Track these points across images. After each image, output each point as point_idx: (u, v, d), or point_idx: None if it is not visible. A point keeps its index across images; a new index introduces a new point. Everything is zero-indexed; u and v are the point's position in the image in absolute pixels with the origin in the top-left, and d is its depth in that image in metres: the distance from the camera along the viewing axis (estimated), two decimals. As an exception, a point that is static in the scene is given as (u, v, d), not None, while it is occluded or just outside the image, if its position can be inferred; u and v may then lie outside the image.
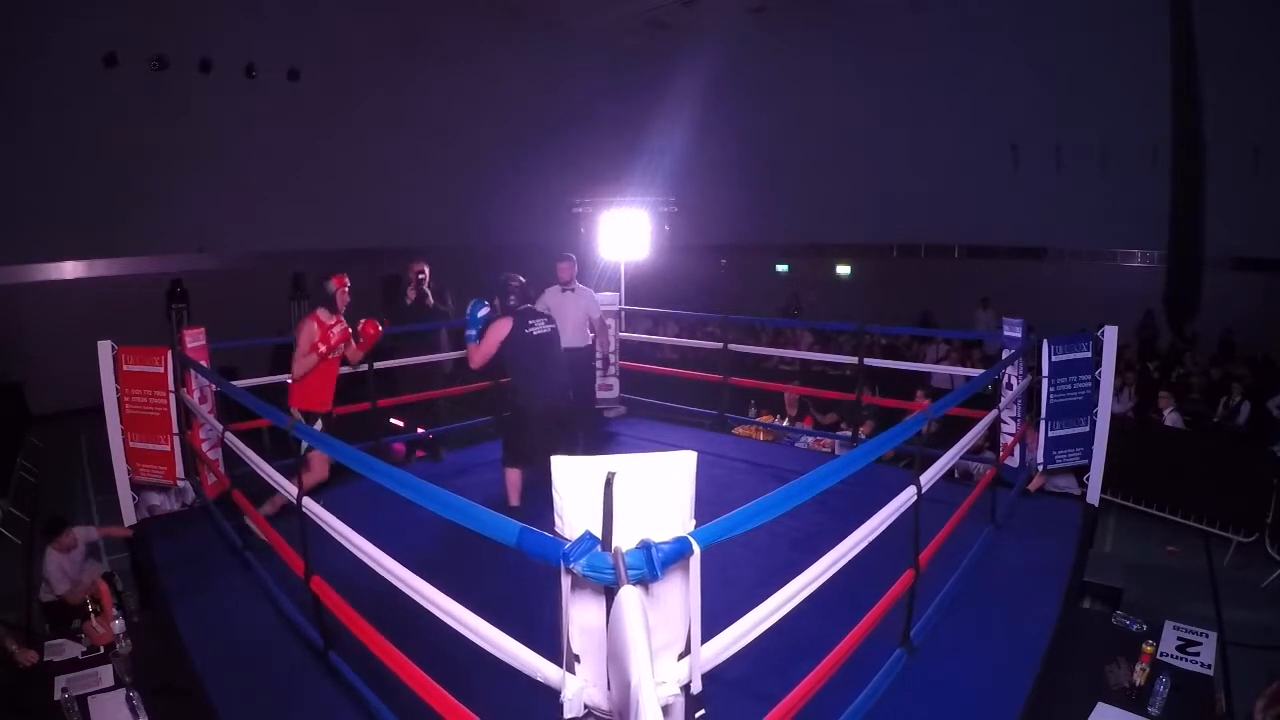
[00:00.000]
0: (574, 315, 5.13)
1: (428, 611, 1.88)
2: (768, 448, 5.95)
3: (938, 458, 2.88)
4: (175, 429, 4.25)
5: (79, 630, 3.29)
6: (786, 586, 1.81)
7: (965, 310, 12.27)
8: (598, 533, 1.36)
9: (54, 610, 4.22)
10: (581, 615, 1.44)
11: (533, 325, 4.03)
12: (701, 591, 1.44)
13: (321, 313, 3.99)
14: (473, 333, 4.04)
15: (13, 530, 6.39)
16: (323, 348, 3.89)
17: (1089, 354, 4.33)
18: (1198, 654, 2.91)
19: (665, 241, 7.04)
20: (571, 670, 1.46)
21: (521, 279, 4.10)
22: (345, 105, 12.38)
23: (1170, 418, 6.91)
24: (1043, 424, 4.37)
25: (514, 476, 4.15)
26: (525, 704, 1.66)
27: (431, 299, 5.62)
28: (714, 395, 6.28)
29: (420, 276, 5.61)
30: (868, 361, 5.53)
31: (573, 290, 5.21)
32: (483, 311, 4.07)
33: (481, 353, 3.96)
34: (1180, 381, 8.63)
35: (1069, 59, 11.72)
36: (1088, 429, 4.34)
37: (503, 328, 3.97)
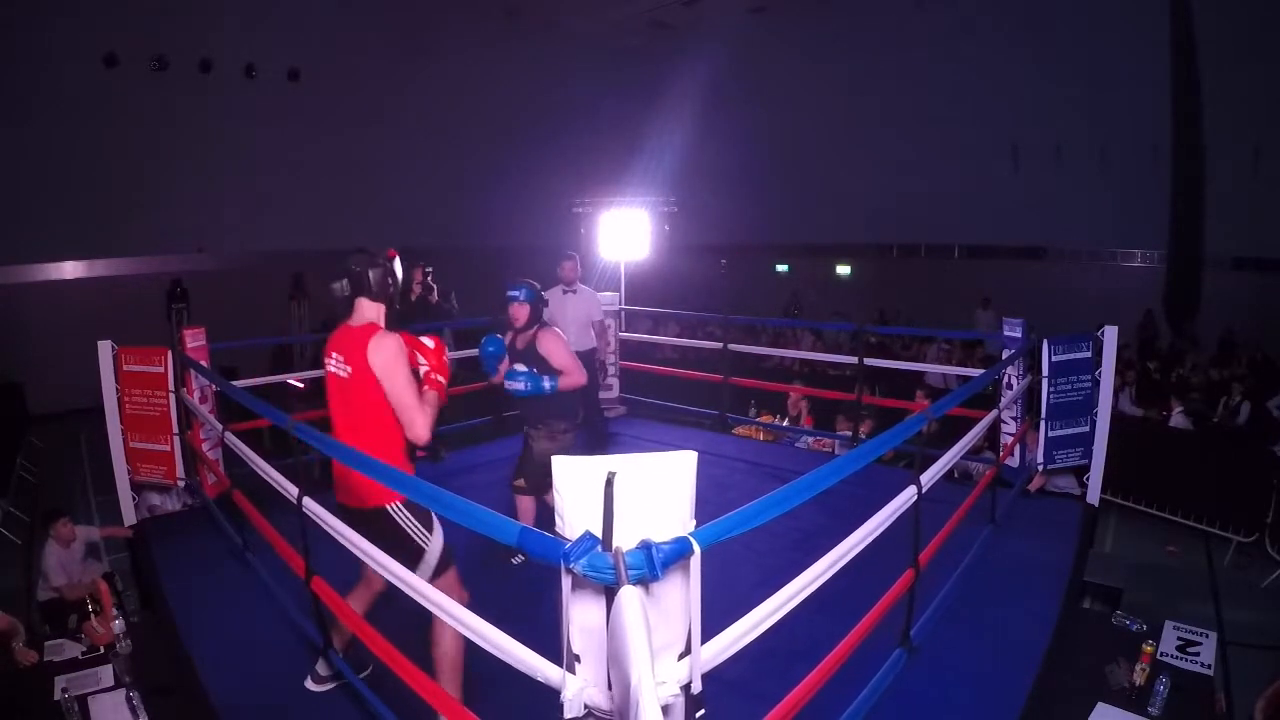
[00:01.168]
0: (575, 318, 5.03)
1: (428, 611, 1.88)
2: (768, 448, 5.95)
3: (938, 458, 2.87)
4: (175, 429, 4.25)
5: (79, 630, 3.29)
6: (786, 587, 1.81)
7: (965, 310, 12.27)
8: (598, 533, 1.36)
9: (51, 608, 4.23)
10: (582, 615, 1.44)
11: None
12: (702, 592, 1.44)
13: (374, 312, 2.37)
14: (542, 378, 3.40)
15: (13, 530, 6.40)
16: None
17: (1089, 354, 4.33)
18: (1198, 654, 2.90)
19: (665, 241, 7.05)
20: (572, 670, 1.46)
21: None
22: (345, 105, 12.39)
23: (1176, 419, 6.91)
24: (1043, 424, 4.37)
25: (530, 505, 3.68)
26: (525, 704, 1.66)
27: (436, 296, 5.63)
28: (714, 395, 6.28)
29: (427, 271, 5.63)
30: (867, 361, 5.54)
31: (574, 291, 5.10)
32: (493, 348, 3.49)
33: (577, 378, 3.43)
34: (1180, 381, 8.64)
35: (1069, 59, 11.73)
36: (1088, 429, 4.34)
37: (563, 338, 3.53)
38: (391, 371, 2.23)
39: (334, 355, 2.36)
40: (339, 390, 2.36)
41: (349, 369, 2.31)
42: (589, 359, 5.22)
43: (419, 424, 2.25)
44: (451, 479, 4.81)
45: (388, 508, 2.29)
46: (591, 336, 5.14)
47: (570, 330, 5.03)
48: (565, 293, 5.07)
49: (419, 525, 2.31)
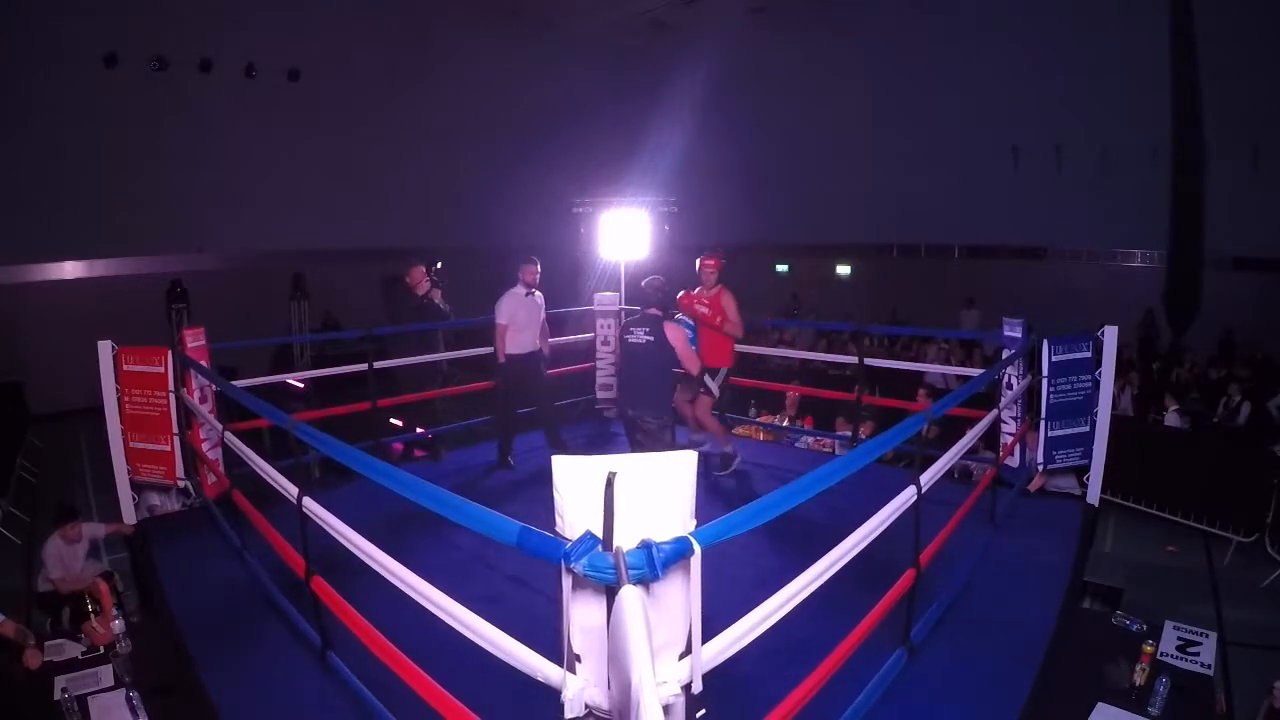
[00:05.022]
0: (541, 319, 5.16)
1: (428, 611, 1.88)
2: (768, 448, 5.94)
3: (938, 458, 2.87)
4: (175, 429, 4.24)
5: (76, 627, 3.29)
6: (787, 587, 1.81)
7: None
8: (598, 532, 1.36)
9: (48, 601, 4.23)
10: (582, 615, 1.44)
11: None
12: (702, 591, 1.44)
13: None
14: None
15: (13, 530, 6.40)
16: None
17: (1089, 354, 4.32)
18: (1198, 654, 2.90)
19: (665, 241, 7.04)
20: (572, 670, 1.46)
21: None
22: (345, 105, 12.38)
23: (1170, 418, 6.91)
24: (1042, 424, 4.37)
25: None
26: (526, 704, 1.66)
27: (441, 295, 5.59)
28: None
29: (438, 266, 5.61)
30: (867, 361, 5.54)
31: (533, 294, 5.16)
32: None
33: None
34: (1180, 382, 8.64)
35: (1069, 59, 11.72)
36: (1088, 429, 4.34)
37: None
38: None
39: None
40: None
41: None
42: (541, 359, 5.23)
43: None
44: (451, 479, 4.81)
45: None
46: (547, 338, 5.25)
47: (535, 330, 5.07)
48: (528, 295, 5.08)
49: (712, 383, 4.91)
